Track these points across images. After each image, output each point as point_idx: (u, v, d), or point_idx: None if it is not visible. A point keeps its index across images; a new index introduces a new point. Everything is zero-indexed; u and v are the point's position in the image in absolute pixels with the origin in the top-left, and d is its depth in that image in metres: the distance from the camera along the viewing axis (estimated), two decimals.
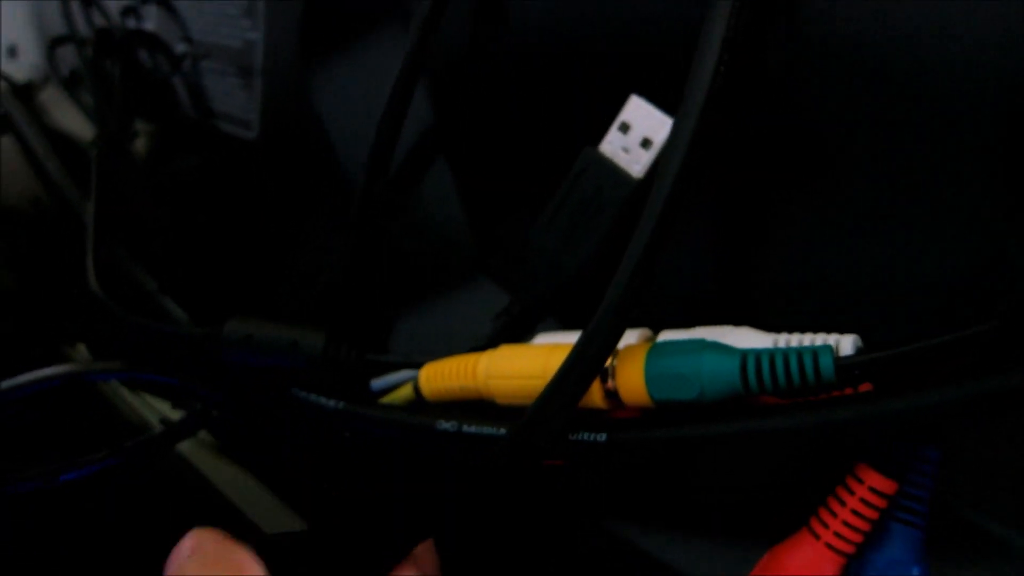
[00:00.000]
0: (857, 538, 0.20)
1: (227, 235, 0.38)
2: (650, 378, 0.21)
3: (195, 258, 0.36)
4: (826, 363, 0.20)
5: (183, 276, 0.34)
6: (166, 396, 0.32)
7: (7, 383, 0.30)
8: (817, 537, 0.20)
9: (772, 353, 0.20)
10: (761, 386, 0.20)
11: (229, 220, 0.38)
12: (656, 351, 0.22)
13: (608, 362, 0.23)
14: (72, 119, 0.52)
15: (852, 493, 0.20)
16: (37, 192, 0.50)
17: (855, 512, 0.19)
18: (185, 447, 0.34)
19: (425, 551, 0.27)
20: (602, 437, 0.22)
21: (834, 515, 0.20)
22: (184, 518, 0.28)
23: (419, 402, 0.27)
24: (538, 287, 0.26)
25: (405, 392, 0.27)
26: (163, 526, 0.26)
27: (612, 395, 0.23)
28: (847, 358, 0.20)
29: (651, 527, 0.25)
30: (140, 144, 0.42)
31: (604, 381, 0.23)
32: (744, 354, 0.21)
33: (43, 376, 0.30)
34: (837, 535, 0.20)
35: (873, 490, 0.19)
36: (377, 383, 0.29)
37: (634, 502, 0.25)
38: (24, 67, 0.57)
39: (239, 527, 0.31)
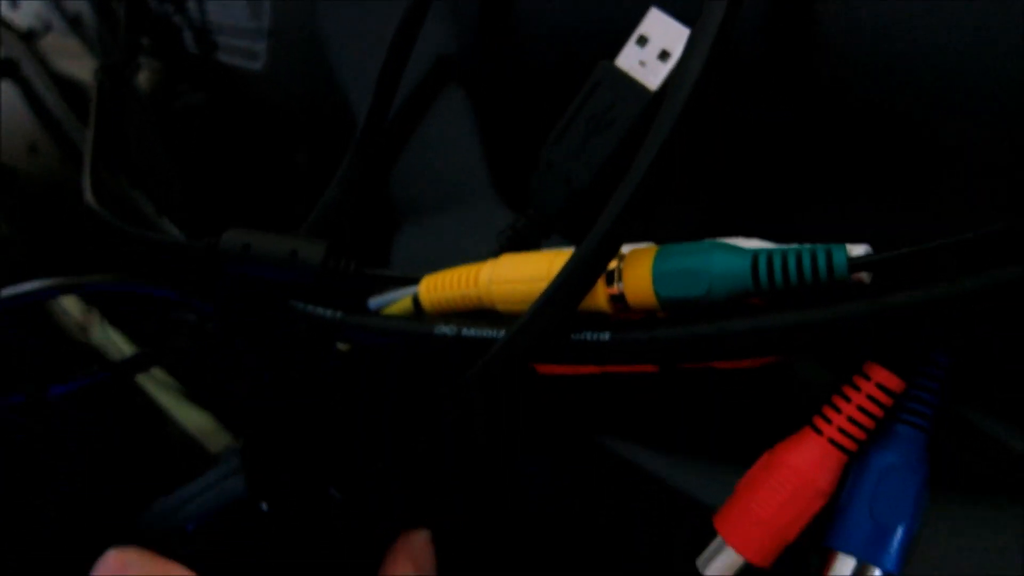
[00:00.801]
0: (860, 435, 0.19)
1: (231, 165, 0.37)
2: (658, 275, 0.21)
3: (195, 186, 0.35)
4: (840, 260, 0.19)
5: (182, 202, 0.34)
6: (157, 315, 0.32)
7: (7, 291, 0.29)
8: (819, 432, 0.20)
9: (784, 251, 0.20)
10: (772, 284, 0.20)
11: (233, 152, 0.37)
12: (665, 251, 0.22)
13: (614, 265, 0.22)
14: (74, 65, 0.51)
15: (858, 390, 0.19)
16: (35, 138, 0.50)
17: (860, 408, 0.19)
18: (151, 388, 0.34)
19: (420, 543, 0.27)
20: (605, 336, 0.22)
21: (838, 411, 0.19)
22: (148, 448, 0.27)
23: (418, 314, 0.27)
24: (547, 202, 0.26)
25: (404, 305, 0.27)
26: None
27: (617, 299, 0.22)
28: (859, 257, 0.19)
29: (647, 444, 0.24)
30: (145, 80, 0.41)
31: (609, 284, 0.22)
32: (755, 253, 0.20)
33: (43, 286, 0.30)
34: (841, 431, 0.19)
35: (880, 387, 0.19)
36: (374, 302, 0.28)
37: (631, 420, 0.25)
38: (27, 15, 0.57)
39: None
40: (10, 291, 0.29)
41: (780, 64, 0.22)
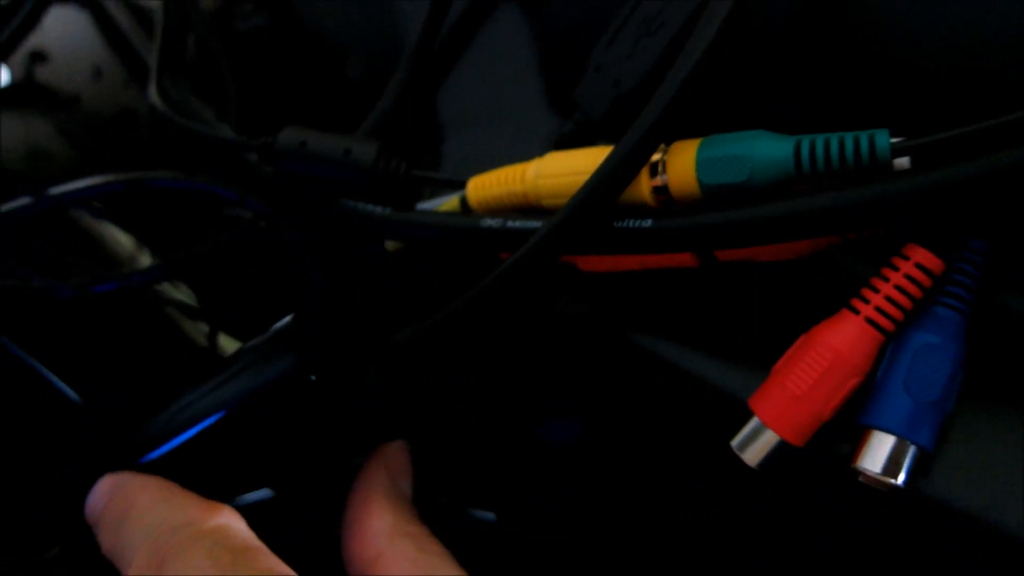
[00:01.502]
0: (898, 315, 0.20)
1: (288, 82, 0.38)
2: (701, 162, 0.22)
3: (254, 99, 0.36)
4: (882, 143, 0.20)
5: (241, 111, 0.35)
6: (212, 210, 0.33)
7: (74, 184, 0.31)
8: (856, 312, 0.20)
9: (827, 137, 0.20)
10: (814, 169, 0.20)
11: (291, 70, 0.38)
12: (709, 140, 0.22)
13: (658, 157, 0.23)
14: None
15: (896, 270, 0.20)
16: (99, 61, 0.51)
17: (898, 287, 0.19)
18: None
19: (396, 453, 0.27)
20: (647, 223, 0.22)
21: (876, 291, 0.20)
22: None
23: (465, 213, 0.27)
24: (594, 105, 0.26)
25: (452, 205, 0.28)
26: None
27: (661, 190, 0.23)
28: (900, 141, 0.20)
29: (684, 341, 0.25)
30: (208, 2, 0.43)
31: (653, 176, 0.23)
32: (798, 138, 0.21)
33: (108, 180, 0.31)
34: (878, 310, 0.20)
35: (919, 266, 0.19)
36: (422, 205, 0.29)
37: (669, 318, 0.25)
38: None
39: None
40: (76, 185, 0.30)
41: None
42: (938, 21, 0.21)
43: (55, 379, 0.27)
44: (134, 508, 0.23)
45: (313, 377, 0.23)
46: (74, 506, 0.28)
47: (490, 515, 0.34)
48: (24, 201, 0.29)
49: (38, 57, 0.58)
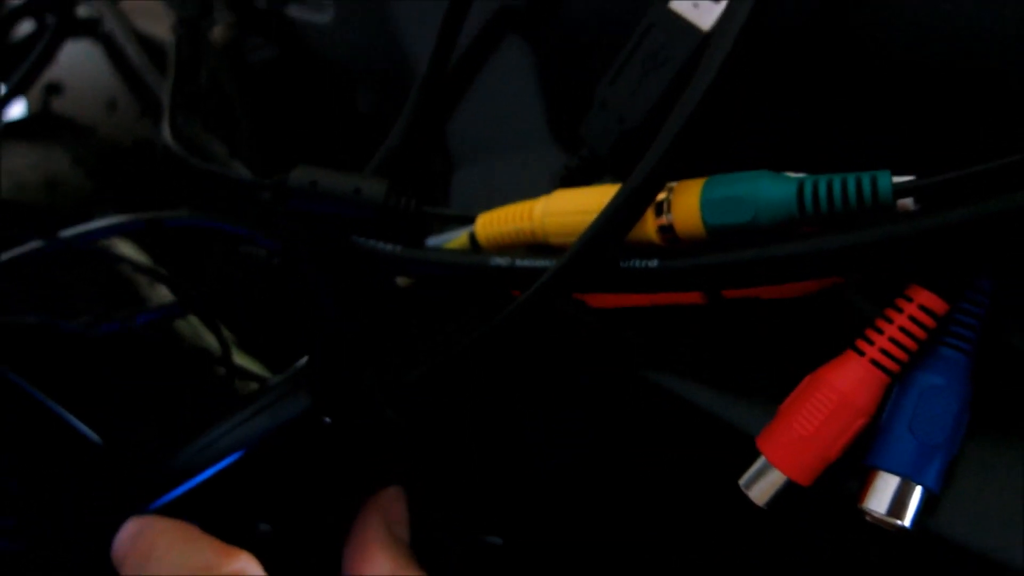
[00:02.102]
0: (903, 356, 0.20)
1: (298, 115, 0.39)
2: (705, 202, 0.22)
3: (265, 134, 0.37)
4: (884, 185, 0.20)
5: (252, 146, 0.35)
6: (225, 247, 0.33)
7: (91, 225, 0.31)
8: (861, 354, 0.20)
9: (830, 178, 0.21)
10: (817, 210, 0.20)
11: (301, 103, 0.39)
12: (713, 180, 0.22)
13: (663, 196, 0.23)
14: (153, 24, 0.53)
15: (900, 311, 0.20)
16: (114, 94, 0.52)
17: (903, 329, 0.20)
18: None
19: (392, 499, 0.27)
20: (654, 263, 0.22)
21: (880, 332, 0.20)
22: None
23: (475, 251, 0.28)
24: (600, 141, 0.27)
25: (461, 242, 0.28)
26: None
27: (666, 229, 0.23)
28: (904, 182, 0.20)
29: (692, 375, 0.25)
30: (219, 33, 0.43)
31: (659, 215, 0.23)
32: (801, 179, 0.21)
33: (123, 220, 0.31)
34: (883, 351, 0.20)
35: (923, 308, 0.19)
36: (432, 241, 0.29)
37: (676, 352, 0.25)
38: None
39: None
40: (90, 226, 0.31)
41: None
42: (941, 22, 0.21)
43: (75, 420, 0.27)
44: (156, 550, 0.24)
45: (328, 420, 0.23)
46: (95, 549, 0.28)
47: (496, 539, 0.34)
48: (34, 245, 0.30)
49: (54, 89, 0.59)
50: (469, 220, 0.28)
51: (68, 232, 0.31)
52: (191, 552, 0.23)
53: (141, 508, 0.26)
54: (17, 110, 0.61)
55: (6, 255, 0.30)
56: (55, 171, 0.57)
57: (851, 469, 0.21)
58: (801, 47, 0.24)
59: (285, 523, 0.26)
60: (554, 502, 0.30)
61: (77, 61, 0.53)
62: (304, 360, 0.25)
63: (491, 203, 0.28)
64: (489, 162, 0.30)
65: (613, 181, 0.28)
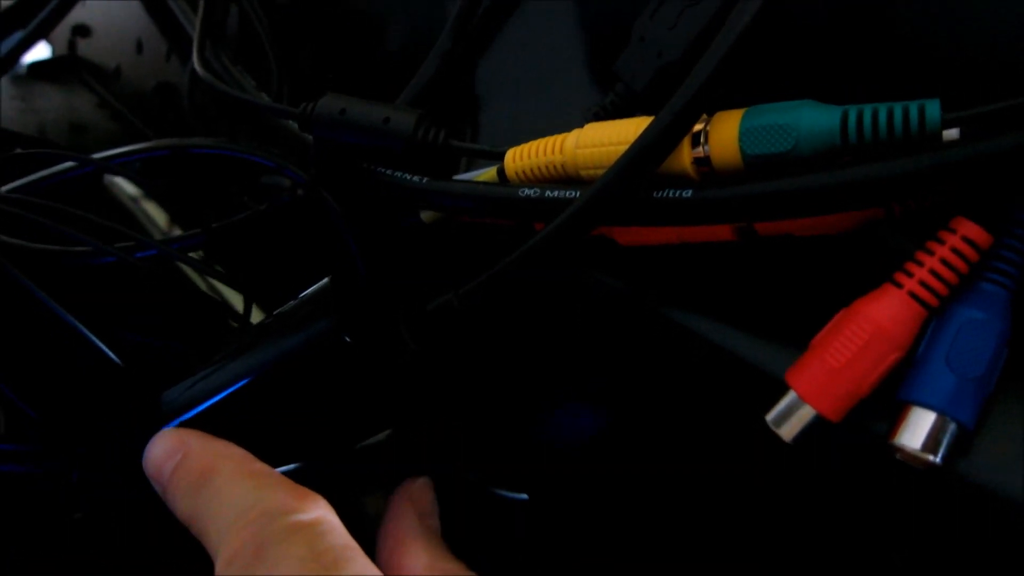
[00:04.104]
0: (943, 289, 0.19)
1: (328, 54, 0.38)
2: (744, 131, 0.21)
3: (293, 68, 0.37)
4: (933, 113, 0.19)
5: (280, 79, 0.35)
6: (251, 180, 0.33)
7: (119, 149, 0.31)
8: (900, 286, 0.20)
9: (875, 107, 0.20)
10: (861, 139, 0.20)
11: (331, 41, 0.38)
12: (753, 110, 0.22)
13: (700, 127, 0.22)
14: None
15: (942, 243, 0.19)
16: (141, 34, 0.52)
17: (944, 261, 0.19)
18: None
19: (422, 489, 0.27)
20: (688, 193, 0.22)
21: (920, 265, 0.19)
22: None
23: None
24: (636, 77, 0.26)
25: (488, 175, 0.28)
26: None
27: (702, 161, 0.22)
28: (951, 113, 0.19)
29: (720, 317, 0.24)
30: None
31: (695, 147, 0.23)
32: (846, 109, 0.20)
33: (151, 146, 0.31)
34: (922, 283, 0.19)
35: (966, 239, 0.19)
36: (459, 177, 0.29)
37: (704, 293, 0.25)
38: None
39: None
40: (120, 150, 0.30)
41: None
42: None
43: (97, 340, 0.27)
44: (217, 477, 0.22)
45: (348, 339, 0.23)
46: (110, 470, 0.28)
47: (522, 495, 0.34)
48: (68, 165, 0.30)
49: (81, 31, 0.59)
50: (498, 156, 0.28)
51: (99, 155, 0.30)
52: (262, 490, 0.21)
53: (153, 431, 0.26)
54: (41, 52, 0.61)
55: (39, 174, 0.29)
56: (79, 114, 0.57)
57: (881, 411, 0.20)
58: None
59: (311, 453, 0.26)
60: (576, 455, 0.30)
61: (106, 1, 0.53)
62: (317, 286, 0.25)
63: (521, 142, 0.28)
64: (521, 101, 0.30)
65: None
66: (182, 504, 0.23)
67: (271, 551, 0.20)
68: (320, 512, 0.21)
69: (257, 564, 0.19)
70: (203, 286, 0.35)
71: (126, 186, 0.46)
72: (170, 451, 0.24)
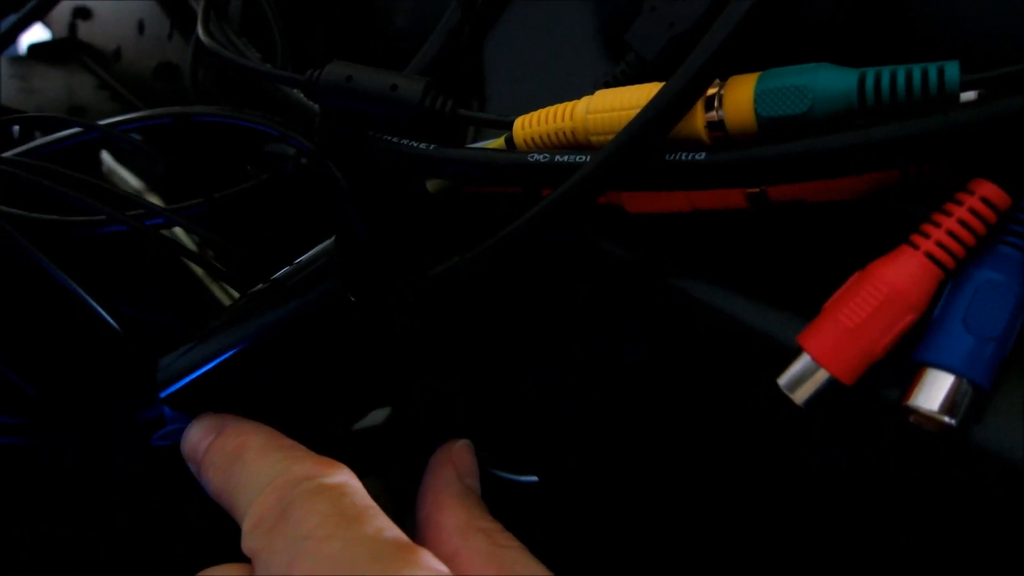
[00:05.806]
0: (959, 251, 0.19)
1: (333, 29, 0.38)
2: (759, 93, 0.21)
3: (299, 50, 0.36)
4: (952, 74, 0.19)
5: (285, 50, 0.35)
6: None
7: (123, 117, 0.31)
8: (916, 247, 0.19)
9: (894, 68, 0.20)
10: (878, 101, 0.20)
11: (336, 18, 0.38)
12: (768, 72, 0.22)
13: (714, 91, 0.22)
14: None
15: (960, 204, 0.19)
16: (143, 14, 0.52)
17: (961, 222, 0.19)
18: None
19: (462, 450, 0.27)
20: (700, 156, 0.22)
21: (937, 226, 0.19)
22: None
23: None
24: (647, 46, 0.26)
25: (496, 144, 0.27)
26: None
27: (716, 125, 0.22)
28: (969, 75, 0.19)
29: (730, 286, 0.24)
30: None
31: (709, 110, 0.22)
32: (863, 70, 0.20)
33: (154, 113, 0.31)
34: (939, 244, 0.19)
35: (985, 200, 0.19)
36: (468, 146, 0.29)
37: (716, 262, 0.25)
38: None
39: None
40: (125, 117, 0.30)
41: None
42: None
43: (98, 307, 0.27)
44: (248, 450, 0.23)
45: (353, 299, 0.22)
46: (115, 440, 0.28)
47: (532, 478, 0.33)
48: (73, 131, 0.29)
49: (82, 13, 0.59)
50: (506, 125, 0.27)
51: (104, 121, 0.30)
52: (289, 460, 0.22)
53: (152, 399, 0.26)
54: (38, 34, 0.61)
55: (43, 139, 0.29)
56: (79, 95, 0.56)
57: (894, 376, 0.20)
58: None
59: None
60: (585, 429, 0.30)
61: None
62: (326, 244, 0.24)
63: (531, 109, 0.27)
64: (531, 74, 0.30)
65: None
66: (214, 479, 0.23)
67: (296, 510, 0.20)
68: (345, 477, 0.22)
69: (282, 524, 0.20)
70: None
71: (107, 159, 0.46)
72: (206, 431, 0.24)
